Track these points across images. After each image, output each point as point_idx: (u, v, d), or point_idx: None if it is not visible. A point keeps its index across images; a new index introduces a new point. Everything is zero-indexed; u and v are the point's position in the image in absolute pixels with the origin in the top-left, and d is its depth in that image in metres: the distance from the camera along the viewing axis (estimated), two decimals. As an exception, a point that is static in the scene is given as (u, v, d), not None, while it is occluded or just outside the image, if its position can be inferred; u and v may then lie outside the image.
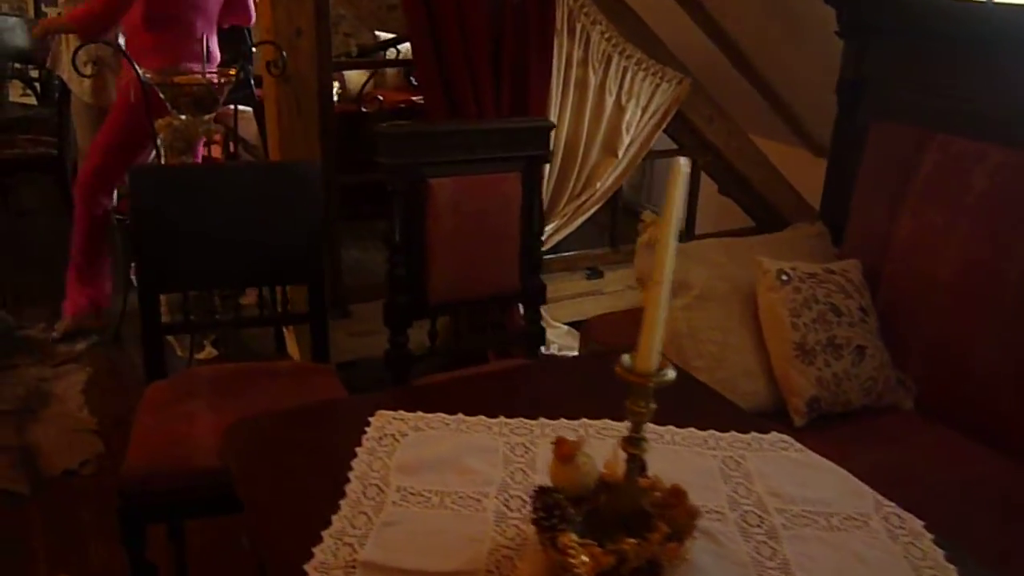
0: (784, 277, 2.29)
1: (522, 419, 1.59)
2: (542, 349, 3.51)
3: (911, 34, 2.45)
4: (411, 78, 3.35)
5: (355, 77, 5.67)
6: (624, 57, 3.34)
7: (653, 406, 1.11)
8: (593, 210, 3.52)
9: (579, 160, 3.39)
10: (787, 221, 4.06)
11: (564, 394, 1.75)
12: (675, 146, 3.81)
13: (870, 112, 2.58)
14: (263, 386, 2.02)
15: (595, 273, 3.75)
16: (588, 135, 3.38)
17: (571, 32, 3.21)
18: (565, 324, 3.63)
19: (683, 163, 1.03)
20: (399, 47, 4.57)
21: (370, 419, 1.57)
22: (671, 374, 1.09)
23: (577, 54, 3.25)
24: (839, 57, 2.77)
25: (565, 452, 1.20)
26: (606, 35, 3.28)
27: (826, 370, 2.23)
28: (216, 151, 2.89)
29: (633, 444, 1.14)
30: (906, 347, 2.36)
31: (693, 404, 1.80)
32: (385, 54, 3.87)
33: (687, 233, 4.00)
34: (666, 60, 3.44)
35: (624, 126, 3.43)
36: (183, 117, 2.66)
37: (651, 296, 1.06)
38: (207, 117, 2.68)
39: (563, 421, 1.60)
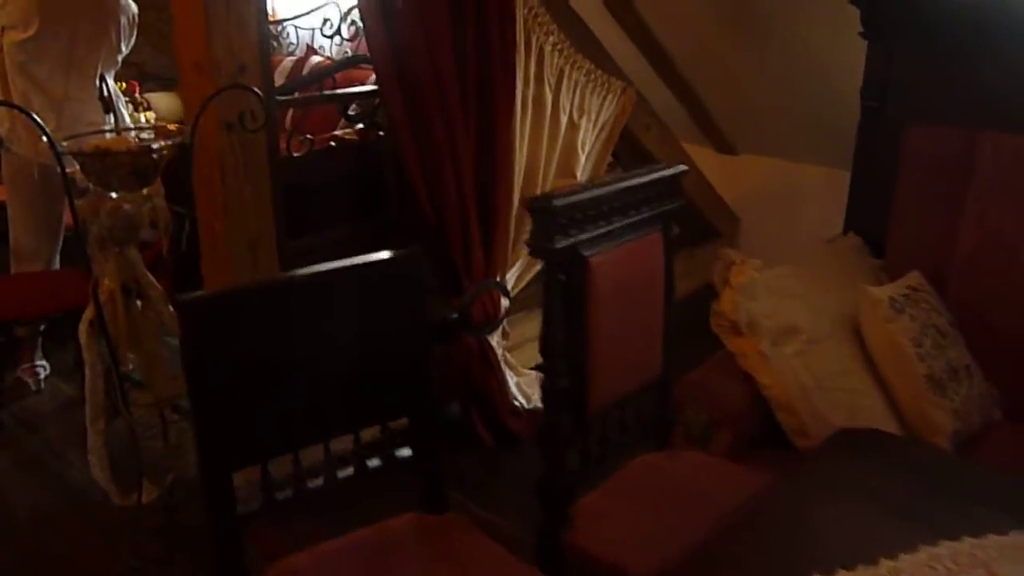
0: (897, 305, 2.10)
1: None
2: (521, 401, 3.15)
3: (944, 31, 2.35)
4: (348, 112, 2.76)
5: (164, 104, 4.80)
6: (575, 69, 3.01)
7: None
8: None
9: (539, 186, 3.01)
10: (711, 226, 3.96)
11: (865, 508, 1.42)
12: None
13: (900, 115, 2.45)
14: (413, 567, 1.45)
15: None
16: (546, 158, 3.02)
17: (527, 47, 2.82)
18: (532, 369, 3.25)
19: None
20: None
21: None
22: None
23: (532, 70, 2.87)
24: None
25: None
26: (558, 47, 2.93)
27: (956, 399, 2.08)
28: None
29: None
30: (987, 357, 2.27)
31: (962, 485, 1.56)
32: (321, 87, 3.16)
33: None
34: (610, 69, 3.15)
35: (580, 144, 3.10)
36: (114, 195, 1.93)
37: None
38: (147, 191, 1.97)
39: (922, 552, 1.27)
